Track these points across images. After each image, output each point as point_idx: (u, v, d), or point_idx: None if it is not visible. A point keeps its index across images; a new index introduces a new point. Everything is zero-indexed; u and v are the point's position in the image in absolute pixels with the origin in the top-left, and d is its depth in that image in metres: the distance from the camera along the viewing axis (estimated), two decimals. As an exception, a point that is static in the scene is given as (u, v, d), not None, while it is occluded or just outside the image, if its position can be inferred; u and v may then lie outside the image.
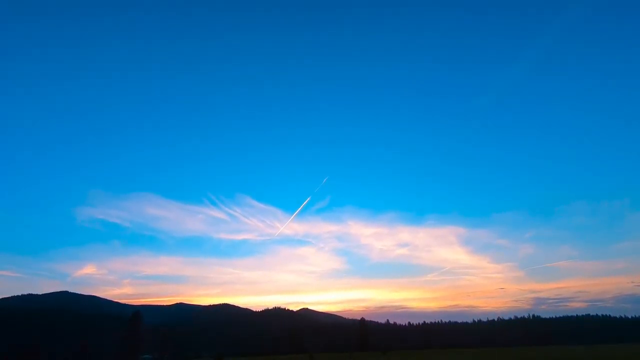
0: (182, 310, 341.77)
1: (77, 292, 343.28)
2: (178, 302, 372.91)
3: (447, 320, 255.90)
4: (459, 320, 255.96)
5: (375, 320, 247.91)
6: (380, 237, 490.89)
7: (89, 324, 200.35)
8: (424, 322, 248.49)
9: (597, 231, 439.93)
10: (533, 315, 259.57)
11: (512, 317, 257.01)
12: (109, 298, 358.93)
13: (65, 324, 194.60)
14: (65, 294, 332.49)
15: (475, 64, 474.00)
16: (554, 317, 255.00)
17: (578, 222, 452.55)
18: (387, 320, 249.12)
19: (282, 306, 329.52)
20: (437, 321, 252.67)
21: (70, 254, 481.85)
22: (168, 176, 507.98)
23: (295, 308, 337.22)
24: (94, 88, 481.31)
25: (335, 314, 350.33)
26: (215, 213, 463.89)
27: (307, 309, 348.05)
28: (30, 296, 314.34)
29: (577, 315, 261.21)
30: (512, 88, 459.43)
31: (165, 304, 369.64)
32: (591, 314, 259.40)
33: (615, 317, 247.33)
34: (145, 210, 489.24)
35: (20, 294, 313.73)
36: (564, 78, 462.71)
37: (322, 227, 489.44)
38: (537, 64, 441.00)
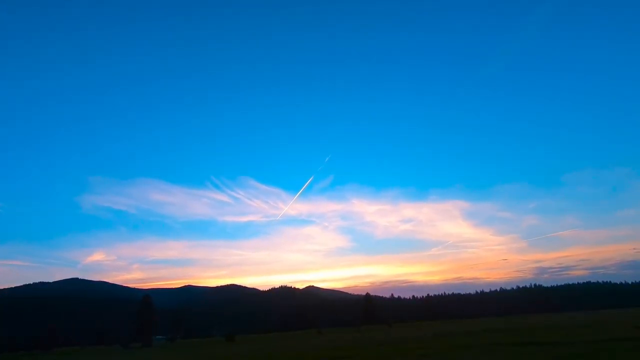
0: (191, 292, 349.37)
1: (87, 279, 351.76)
2: (187, 284, 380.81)
3: (450, 292, 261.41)
4: (463, 292, 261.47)
5: (381, 295, 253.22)
6: (384, 213, 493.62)
7: (101, 308, 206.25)
8: (428, 295, 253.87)
9: (601, 199, 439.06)
10: (535, 285, 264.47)
11: (515, 287, 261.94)
12: (119, 283, 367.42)
13: (78, 309, 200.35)
14: (75, 280, 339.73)
15: (478, 31, 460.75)
16: (555, 285, 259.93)
17: (583, 191, 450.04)
18: (392, 294, 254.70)
19: (289, 285, 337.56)
20: (440, 293, 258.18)
21: (78, 241, 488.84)
22: (170, 161, 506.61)
23: (301, 286, 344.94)
24: (91, 73, 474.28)
25: (341, 290, 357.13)
26: (219, 196, 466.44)
27: (313, 286, 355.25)
28: (42, 284, 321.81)
29: (578, 282, 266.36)
30: (516, 56, 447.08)
31: (174, 287, 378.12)
32: (592, 281, 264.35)
33: (615, 283, 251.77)
34: (150, 196, 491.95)
35: (32, 282, 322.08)
36: (568, 44, 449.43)
37: (326, 206, 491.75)
38: (543, 29, 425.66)
